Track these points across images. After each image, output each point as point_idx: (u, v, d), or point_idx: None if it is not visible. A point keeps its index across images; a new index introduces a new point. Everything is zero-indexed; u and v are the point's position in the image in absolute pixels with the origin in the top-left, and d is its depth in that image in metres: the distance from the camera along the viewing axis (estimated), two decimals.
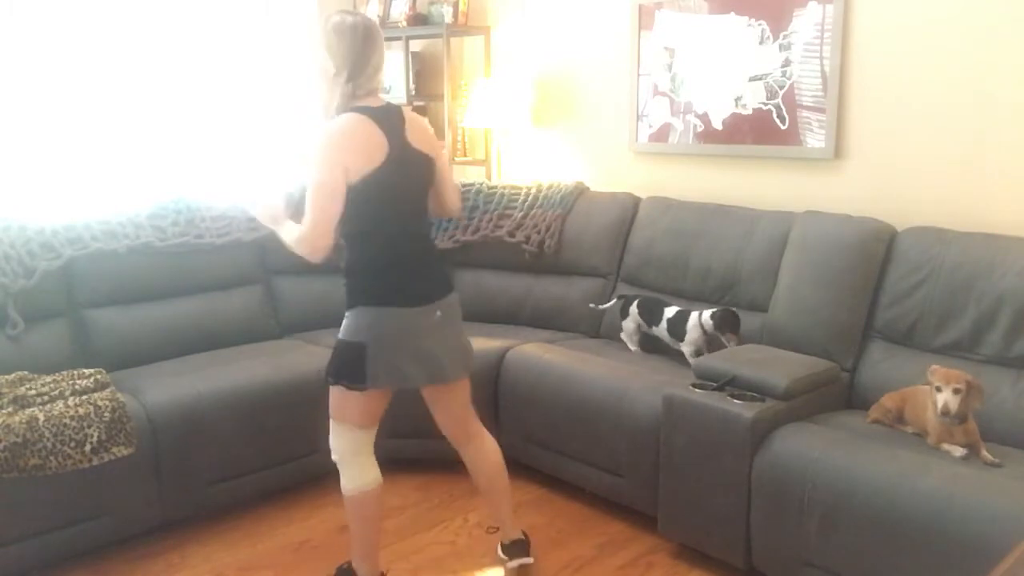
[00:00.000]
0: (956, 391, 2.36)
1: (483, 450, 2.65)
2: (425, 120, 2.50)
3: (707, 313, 3.16)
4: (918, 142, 3.04)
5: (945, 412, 2.36)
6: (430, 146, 2.44)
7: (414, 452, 3.42)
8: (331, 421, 2.50)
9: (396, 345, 2.37)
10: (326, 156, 2.22)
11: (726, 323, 3.11)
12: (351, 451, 2.49)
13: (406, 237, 2.41)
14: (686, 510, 2.75)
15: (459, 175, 4.48)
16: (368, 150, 2.25)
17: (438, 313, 2.40)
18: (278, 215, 2.39)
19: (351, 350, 2.36)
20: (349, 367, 2.37)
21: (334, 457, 2.53)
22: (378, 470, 2.54)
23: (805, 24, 3.25)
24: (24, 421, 2.60)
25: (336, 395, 2.46)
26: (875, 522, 2.27)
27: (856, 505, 2.30)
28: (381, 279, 2.36)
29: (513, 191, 4.01)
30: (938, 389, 2.39)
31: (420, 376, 2.42)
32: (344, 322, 2.40)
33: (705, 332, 3.16)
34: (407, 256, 2.40)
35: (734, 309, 3.18)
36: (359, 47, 2.27)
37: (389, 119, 2.31)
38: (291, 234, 2.30)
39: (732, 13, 3.47)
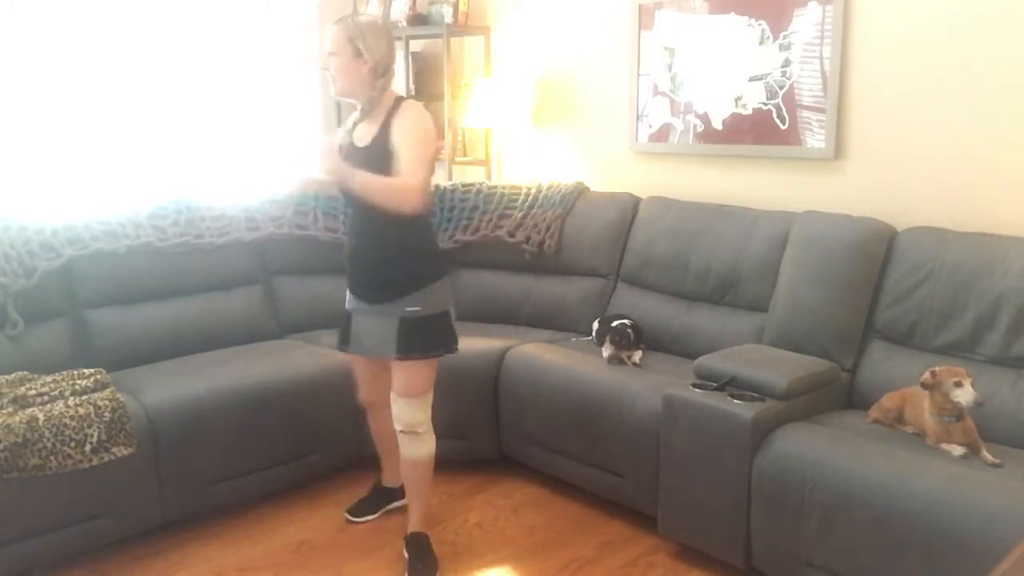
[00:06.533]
0: (972, 382, 2.38)
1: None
2: None
3: (596, 323, 3.47)
4: (918, 142, 3.04)
5: (979, 403, 2.35)
6: None
7: None
8: (411, 400, 2.67)
9: (454, 310, 2.75)
10: (431, 129, 2.57)
11: (604, 331, 3.29)
12: (429, 417, 2.72)
13: None
14: (686, 510, 2.75)
15: (459, 175, 4.48)
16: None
17: None
18: (341, 166, 2.50)
19: (443, 319, 2.66)
20: (444, 335, 2.67)
21: (420, 429, 2.70)
22: None
23: (805, 24, 3.25)
24: (24, 421, 2.60)
25: (424, 369, 2.66)
26: (875, 522, 2.27)
27: (856, 505, 2.30)
28: (440, 253, 2.77)
29: (513, 191, 4.01)
30: (958, 384, 2.38)
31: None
32: (421, 297, 2.60)
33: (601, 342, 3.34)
34: None
35: (626, 322, 3.28)
36: (390, 47, 2.58)
37: None
38: (381, 182, 2.48)
39: (732, 13, 3.47)
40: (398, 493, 3.11)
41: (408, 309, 2.60)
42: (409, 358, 2.63)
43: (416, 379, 2.66)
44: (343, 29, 2.52)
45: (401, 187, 2.47)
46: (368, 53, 2.51)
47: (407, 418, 2.69)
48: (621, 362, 3.20)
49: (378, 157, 2.53)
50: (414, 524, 2.82)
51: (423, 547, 2.79)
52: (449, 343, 2.69)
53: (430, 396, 2.72)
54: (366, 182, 2.47)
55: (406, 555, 2.79)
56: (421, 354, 2.63)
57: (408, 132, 2.52)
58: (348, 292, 2.79)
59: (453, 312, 2.74)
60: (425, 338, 2.63)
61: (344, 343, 2.85)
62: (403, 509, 3.06)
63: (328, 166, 2.49)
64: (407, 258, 2.61)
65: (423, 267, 2.62)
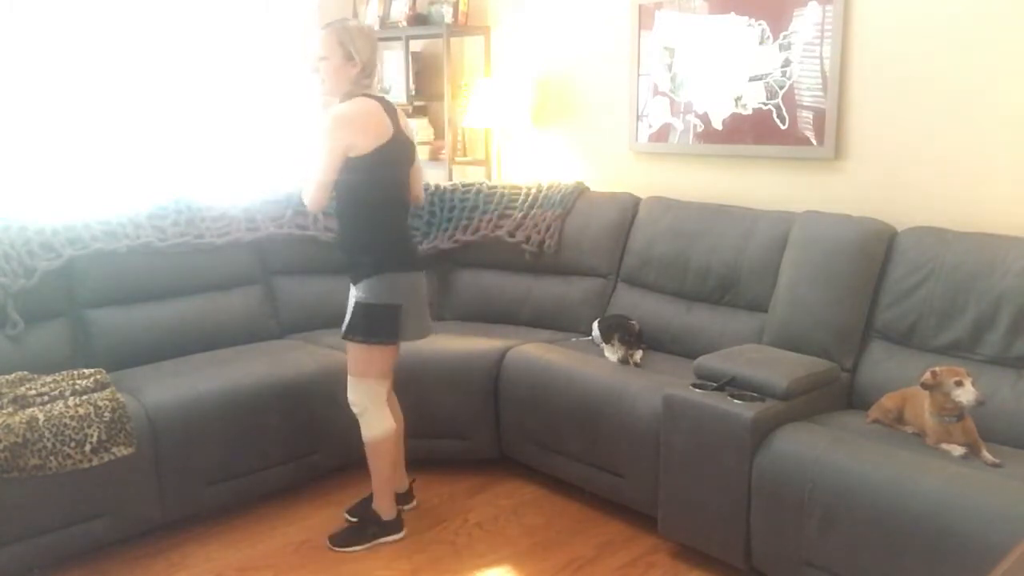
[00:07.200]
0: (972, 382, 2.37)
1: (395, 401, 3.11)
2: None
3: (595, 322, 3.46)
4: (918, 142, 3.04)
5: (981, 401, 2.35)
6: (411, 134, 2.90)
7: (414, 452, 3.41)
8: (353, 378, 2.85)
9: (419, 304, 2.85)
10: (340, 131, 2.65)
11: (610, 331, 3.28)
12: (375, 401, 2.86)
13: (407, 209, 2.92)
14: (686, 510, 2.75)
15: (459, 175, 4.48)
16: (381, 128, 2.70)
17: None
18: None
19: (386, 311, 2.76)
20: (384, 326, 2.77)
21: (356, 410, 2.87)
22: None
23: (805, 24, 3.25)
24: (24, 421, 2.60)
25: (362, 353, 2.81)
26: (875, 522, 2.27)
27: (856, 505, 2.30)
28: (402, 246, 2.84)
29: (513, 191, 4.01)
30: (959, 384, 2.37)
31: (428, 329, 2.93)
32: (368, 287, 2.74)
33: (602, 341, 3.35)
34: (408, 226, 2.96)
35: (630, 320, 3.30)
36: (376, 50, 2.76)
37: (389, 106, 2.78)
38: (305, 183, 2.73)
39: (732, 13, 3.47)
40: (400, 497, 3.11)
41: (358, 295, 2.78)
42: (347, 339, 2.81)
43: (355, 360, 2.83)
44: (333, 34, 2.70)
45: (304, 192, 2.73)
46: (358, 55, 2.70)
47: (348, 395, 2.88)
48: (626, 362, 3.20)
49: None
50: (374, 500, 2.97)
51: (364, 521, 2.95)
52: (386, 334, 2.79)
53: (370, 383, 2.83)
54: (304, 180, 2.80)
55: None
56: (354, 337, 2.79)
57: (320, 134, 2.70)
58: None
59: (406, 307, 2.78)
60: (364, 324, 2.77)
61: None
62: (404, 511, 3.08)
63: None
64: (359, 247, 2.78)
65: (373, 257, 2.75)
